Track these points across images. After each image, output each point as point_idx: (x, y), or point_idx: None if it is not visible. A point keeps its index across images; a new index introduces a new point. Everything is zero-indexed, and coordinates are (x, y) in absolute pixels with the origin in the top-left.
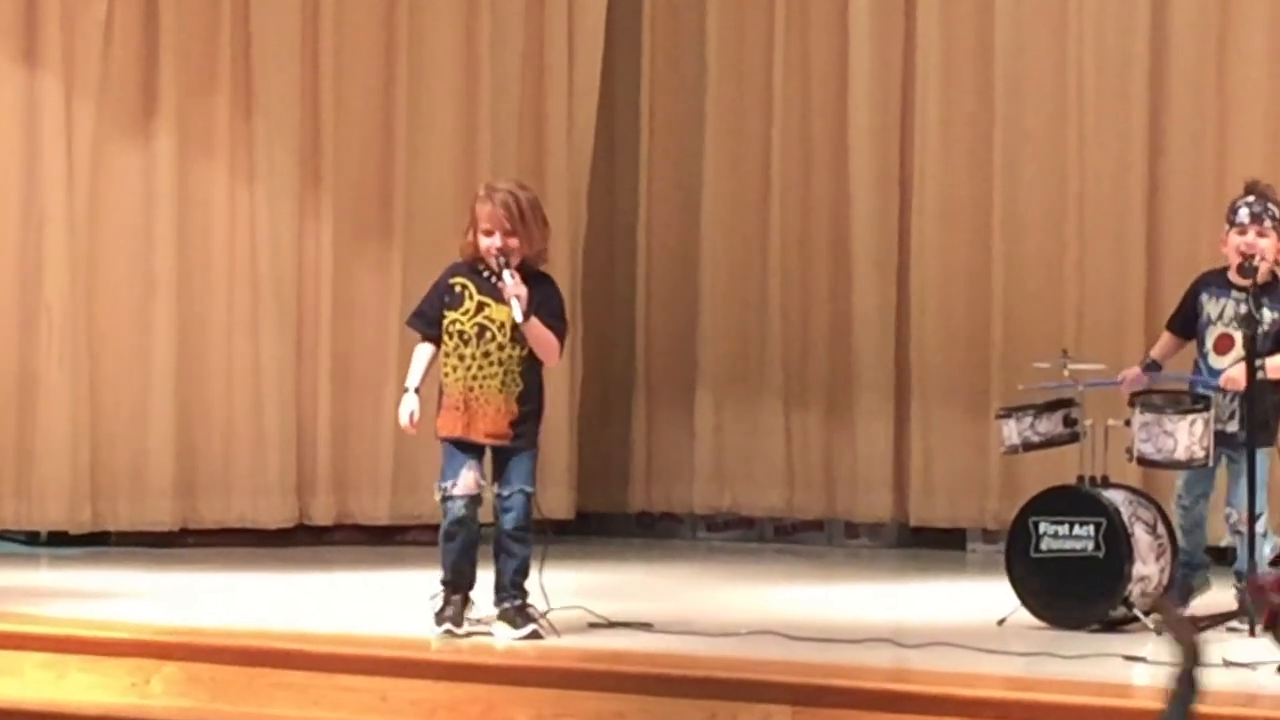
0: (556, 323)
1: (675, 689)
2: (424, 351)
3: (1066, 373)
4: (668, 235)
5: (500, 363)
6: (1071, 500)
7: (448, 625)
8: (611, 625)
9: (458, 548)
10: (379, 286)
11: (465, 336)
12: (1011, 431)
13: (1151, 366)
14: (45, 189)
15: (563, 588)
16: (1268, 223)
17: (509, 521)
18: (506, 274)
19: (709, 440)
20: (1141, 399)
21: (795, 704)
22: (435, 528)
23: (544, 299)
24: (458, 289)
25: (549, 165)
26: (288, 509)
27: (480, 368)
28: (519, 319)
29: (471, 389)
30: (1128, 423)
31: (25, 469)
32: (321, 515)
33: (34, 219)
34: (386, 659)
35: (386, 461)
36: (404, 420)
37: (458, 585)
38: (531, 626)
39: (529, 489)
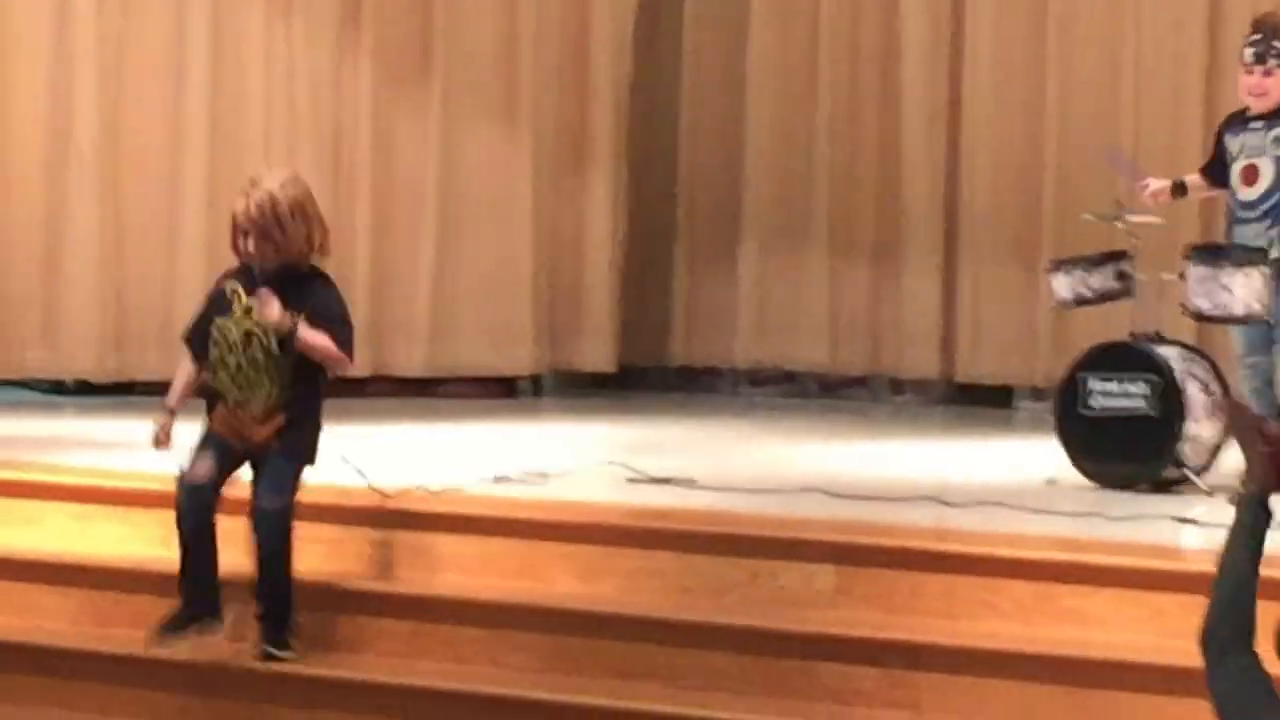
0: (335, 325)
1: (716, 547)
2: (184, 369)
3: (1120, 225)
4: (713, 86)
5: (266, 370)
6: (1123, 357)
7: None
8: (652, 481)
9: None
10: (417, 131)
11: (231, 343)
12: (1062, 285)
13: (1179, 189)
14: (75, 26)
15: (604, 443)
16: (1271, 61)
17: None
18: (263, 292)
19: (753, 294)
20: (1196, 251)
21: (838, 562)
22: (474, 380)
23: (315, 302)
24: (228, 294)
25: (593, 11)
26: None
27: (247, 376)
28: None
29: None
30: (1182, 276)
31: (52, 318)
32: (356, 367)
33: (63, 58)
34: (425, 513)
35: (424, 311)
36: (151, 443)
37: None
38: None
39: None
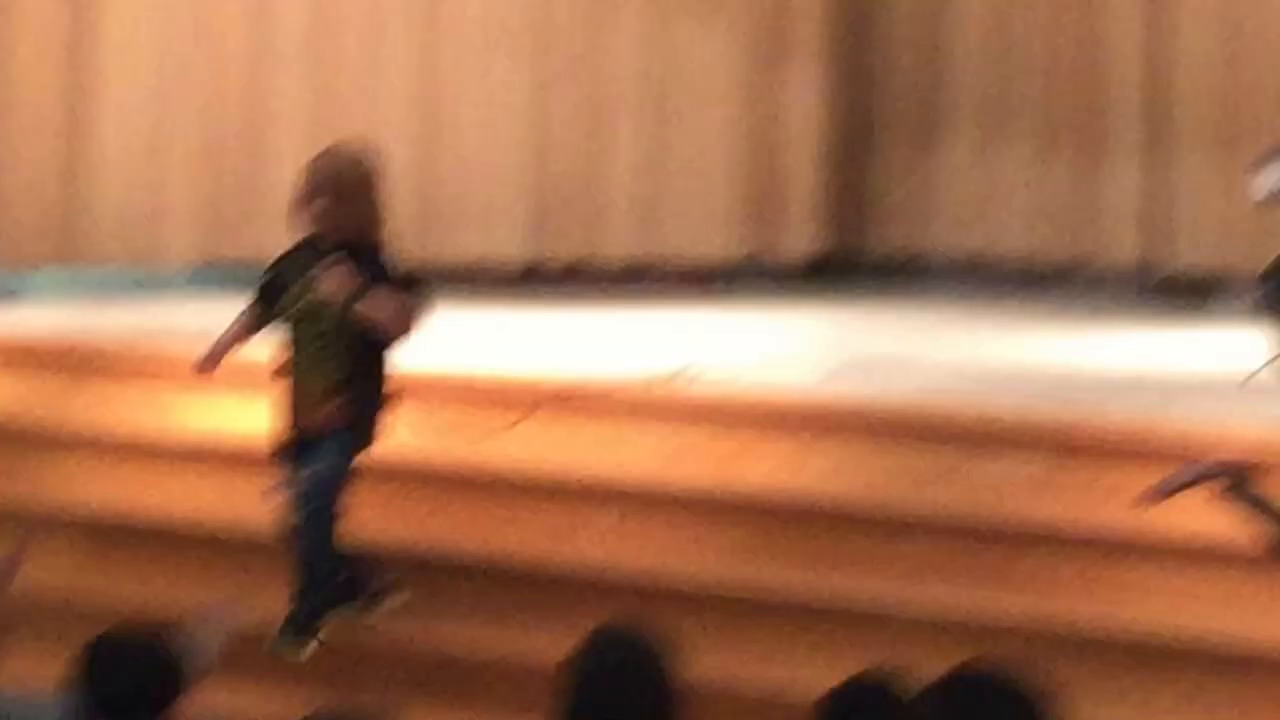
0: (403, 286)
1: (918, 436)
2: (241, 322)
3: None
4: None
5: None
6: None
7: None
8: (849, 370)
9: None
10: (623, 19)
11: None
12: (1272, 178)
13: None
14: None
15: (807, 332)
16: None
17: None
18: (326, 263)
19: (955, 183)
20: None
21: (1042, 453)
22: (680, 269)
23: (375, 272)
24: (296, 265)
25: None
26: (526, 247)
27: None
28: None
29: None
30: None
31: (257, 199)
32: (563, 253)
33: None
34: (628, 402)
35: (630, 201)
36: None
37: None
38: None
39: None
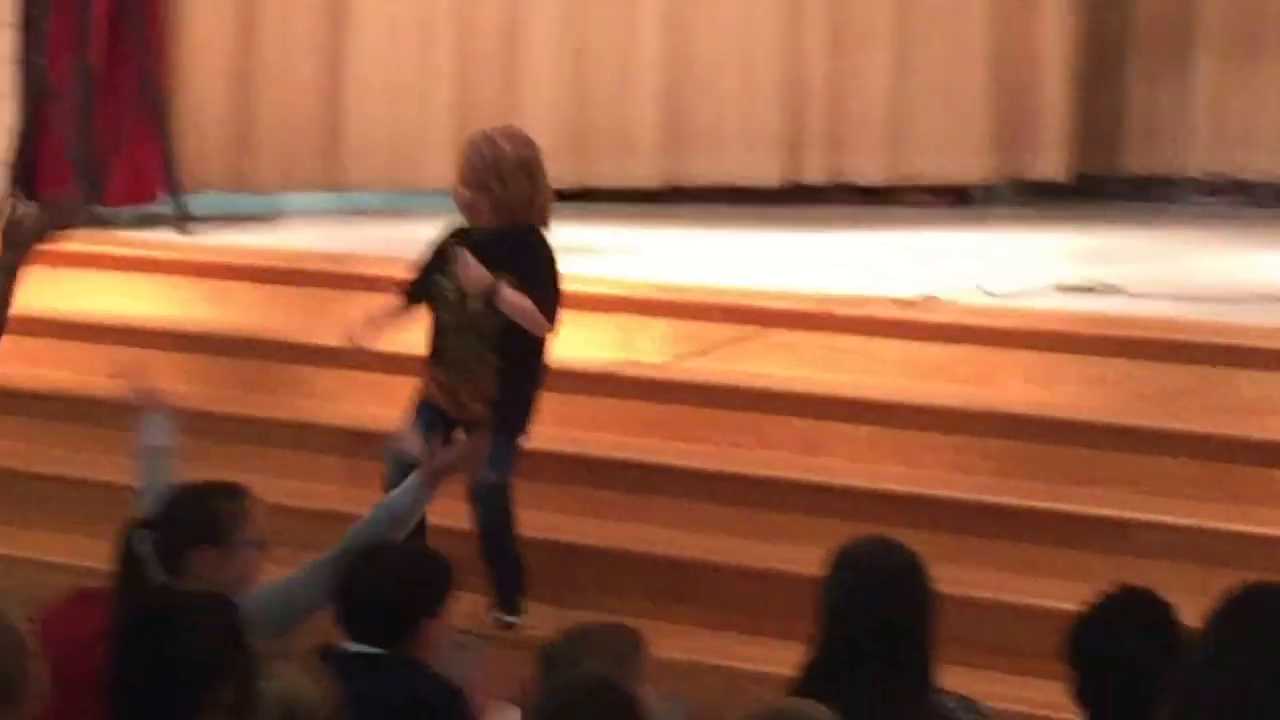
0: (539, 290)
1: (1170, 353)
2: (392, 306)
3: None
4: None
5: (476, 334)
6: None
7: None
8: (1092, 290)
9: None
10: None
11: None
12: None
13: None
14: None
15: (1057, 251)
16: None
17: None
18: (460, 253)
19: (1207, 103)
20: None
21: None
22: (929, 189)
23: (524, 265)
24: (447, 251)
25: None
26: (778, 168)
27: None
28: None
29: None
30: None
31: (511, 122)
32: (812, 175)
33: None
34: (878, 319)
35: (880, 122)
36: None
37: None
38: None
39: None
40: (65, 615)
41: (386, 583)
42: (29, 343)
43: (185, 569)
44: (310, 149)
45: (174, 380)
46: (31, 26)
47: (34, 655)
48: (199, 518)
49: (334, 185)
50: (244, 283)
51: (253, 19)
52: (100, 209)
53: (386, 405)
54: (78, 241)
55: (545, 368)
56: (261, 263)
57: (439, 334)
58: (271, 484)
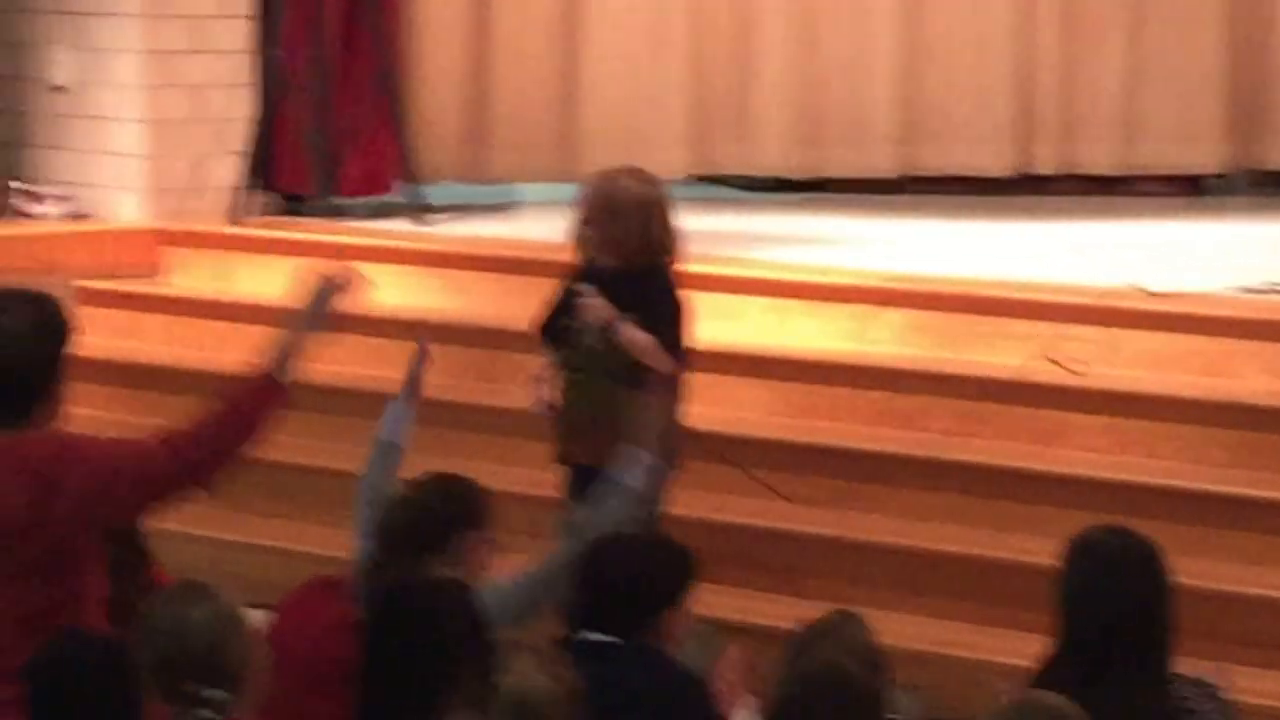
0: (658, 327)
1: None
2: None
3: None
4: None
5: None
6: None
7: None
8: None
9: None
10: None
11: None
12: None
13: None
14: None
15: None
16: None
17: None
18: (582, 289)
19: None
20: None
21: None
22: (1162, 178)
23: (646, 302)
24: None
25: None
26: (1009, 157)
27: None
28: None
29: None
30: None
31: (744, 113)
32: (1044, 164)
33: None
34: (1111, 309)
35: (1112, 108)
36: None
37: None
38: None
39: None
40: (304, 604)
41: (627, 572)
42: (260, 331)
43: (446, 551)
44: (544, 140)
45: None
46: (268, 18)
47: (258, 641)
48: (465, 501)
49: (567, 176)
50: (479, 273)
51: (488, 9)
52: (336, 199)
53: None
54: (314, 231)
55: (680, 402)
56: (496, 253)
57: (568, 373)
58: (505, 472)
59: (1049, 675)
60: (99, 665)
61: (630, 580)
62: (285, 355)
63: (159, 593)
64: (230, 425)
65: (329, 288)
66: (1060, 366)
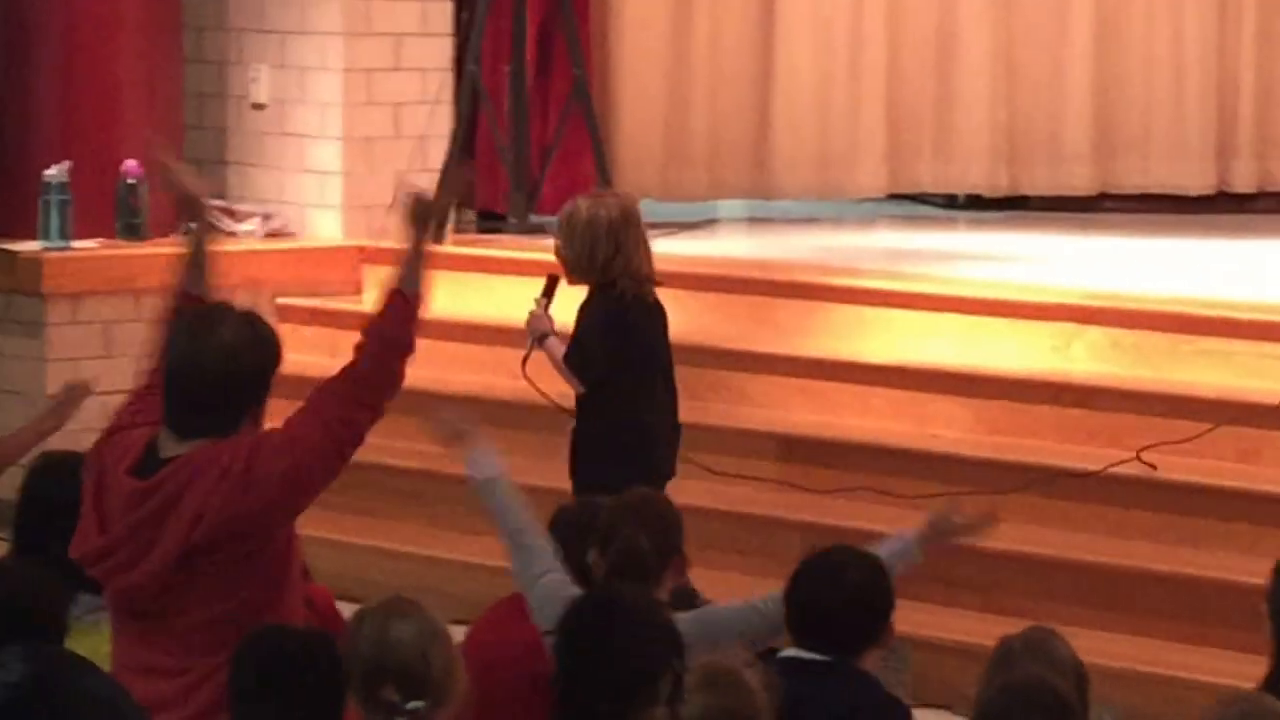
0: (571, 342)
1: None
2: None
3: None
4: None
5: None
6: None
7: None
8: None
9: None
10: None
11: None
12: None
13: None
14: None
15: None
16: None
17: None
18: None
19: None
20: None
21: None
22: None
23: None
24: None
25: None
26: (1208, 174)
27: None
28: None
29: None
30: None
31: (944, 131)
32: (1243, 181)
33: None
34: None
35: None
36: None
37: None
38: None
39: None
40: (498, 621)
41: (842, 593)
42: (456, 347)
43: (656, 578)
44: (740, 158)
45: None
46: (466, 34)
47: (460, 658)
48: (669, 528)
49: (763, 194)
50: (677, 290)
51: (684, 28)
52: (534, 216)
53: (819, 411)
54: (512, 248)
55: (639, 423)
56: (694, 270)
57: None
58: (706, 488)
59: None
60: (304, 658)
61: (844, 601)
62: (409, 268)
63: (356, 610)
64: (379, 352)
65: (426, 201)
66: None
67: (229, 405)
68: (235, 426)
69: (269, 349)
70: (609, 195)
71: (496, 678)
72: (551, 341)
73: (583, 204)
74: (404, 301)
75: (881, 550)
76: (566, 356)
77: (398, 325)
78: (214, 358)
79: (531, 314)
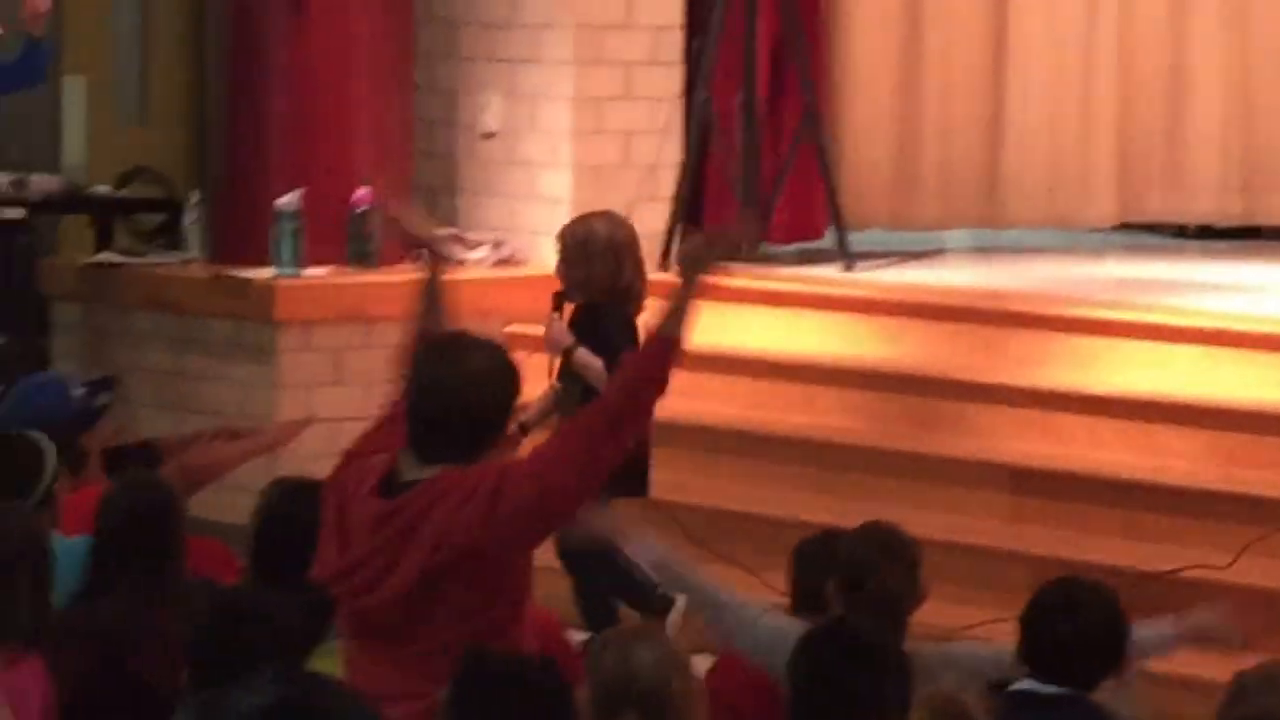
0: (609, 354)
1: None
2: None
3: None
4: None
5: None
6: None
7: None
8: None
9: None
10: None
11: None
12: None
13: None
14: None
15: None
16: None
17: None
18: (550, 318)
19: None
20: None
21: None
22: None
23: (602, 331)
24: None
25: None
26: None
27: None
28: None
29: None
30: None
31: (1174, 161)
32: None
33: None
34: None
35: None
36: None
37: None
38: None
39: None
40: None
41: (1081, 626)
42: (694, 377)
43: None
44: (970, 186)
45: (839, 416)
46: (697, 63)
47: (701, 690)
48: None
49: (993, 222)
50: (907, 319)
51: (914, 58)
52: (766, 245)
53: (1049, 443)
54: (742, 277)
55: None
56: (924, 299)
57: (556, 385)
58: (935, 519)
59: None
60: (524, 683)
61: (1088, 633)
62: (675, 312)
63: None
64: (634, 391)
65: (701, 248)
66: None
67: (475, 432)
68: (479, 454)
69: (515, 379)
70: (611, 215)
71: (732, 709)
72: (581, 351)
73: (598, 225)
74: (664, 346)
75: (1142, 631)
76: (609, 364)
77: (655, 368)
78: (464, 385)
79: (551, 328)
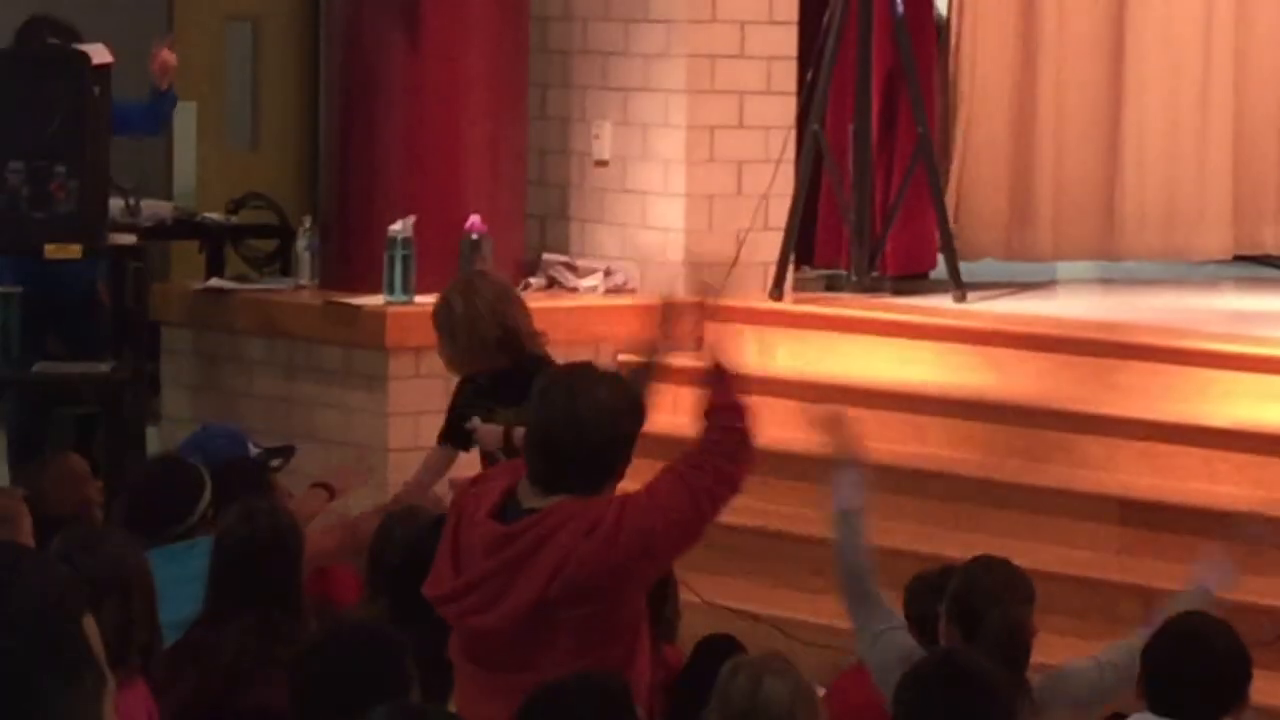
0: None
1: None
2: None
3: None
4: None
5: None
6: None
7: None
8: None
9: None
10: None
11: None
12: None
13: None
14: None
15: None
16: None
17: None
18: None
19: None
20: None
21: None
22: None
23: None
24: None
25: None
26: None
27: None
28: None
29: None
30: None
31: None
32: None
33: None
34: None
35: None
36: None
37: None
38: None
39: None
40: (844, 690)
41: (1206, 662)
42: (798, 406)
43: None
44: (1085, 218)
45: (949, 446)
46: (810, 93)
47: (826, 717)
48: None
49: (1107, 254)
50: (1018, 350)
51: (1029, 88)
52: (875, 275)
53: (1161, 475)
54: (853, 307)
55: None
56: (1036, 330)
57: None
58: (1043, 550)
59: None
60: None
61: (1209, 668)
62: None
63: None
64: (729, 446)
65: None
66: None
67: (600, 464)
68: (600, 486)
69: (639, 411)
70: (470, 282)
71: None
72: (516, 432)
73: (452, 299)
74: (740, 409)
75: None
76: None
77: (729, 392)
78: (592, 417)
79: (478, 434)
